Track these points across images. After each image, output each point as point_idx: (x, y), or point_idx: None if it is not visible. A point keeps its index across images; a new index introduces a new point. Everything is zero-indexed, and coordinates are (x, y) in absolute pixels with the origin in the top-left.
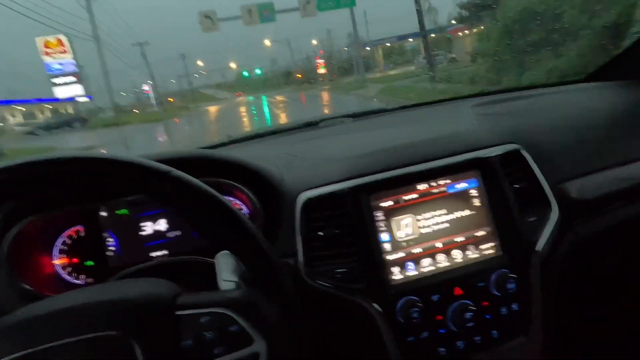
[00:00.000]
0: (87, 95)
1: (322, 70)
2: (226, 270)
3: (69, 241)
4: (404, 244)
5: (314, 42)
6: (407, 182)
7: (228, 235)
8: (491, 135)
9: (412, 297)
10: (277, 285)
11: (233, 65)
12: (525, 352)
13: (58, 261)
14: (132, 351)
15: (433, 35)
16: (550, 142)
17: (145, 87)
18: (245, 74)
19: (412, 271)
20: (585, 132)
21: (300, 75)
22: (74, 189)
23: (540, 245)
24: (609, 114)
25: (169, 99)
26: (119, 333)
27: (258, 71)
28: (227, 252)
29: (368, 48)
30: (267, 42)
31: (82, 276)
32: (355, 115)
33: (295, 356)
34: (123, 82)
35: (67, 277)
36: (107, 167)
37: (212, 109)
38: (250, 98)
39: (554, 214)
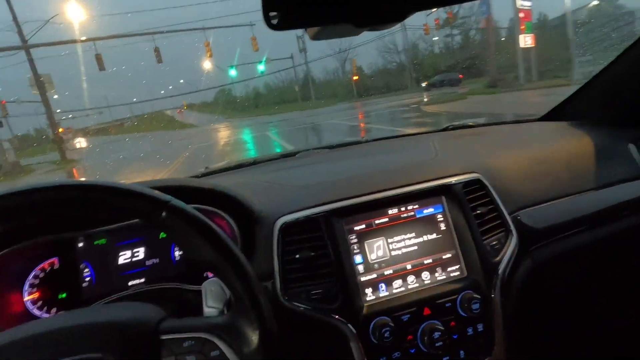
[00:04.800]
0: None
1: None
2: (211, 297)
3: (41, 274)
4: (376, 265)
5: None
6: (379, 206)
7: (216, 260)
8: (455, 165)
9: (384, 317)
10: (260, 309)
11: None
12: None
13: (29, 296)
14: None
15: None
16: (507, 174)
17: None
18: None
19: (383, 292)
20: (539, 166)
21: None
22: (66, 217)
23: (501, 268)
24: (560, 151)
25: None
26: (102, 356)
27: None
28: (214, 279)
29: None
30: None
31: (54, 310)
32: (331, 147)
33: None
34: None
35: (37, 312)
36: (110, 194)
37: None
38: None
39: (514, 239)
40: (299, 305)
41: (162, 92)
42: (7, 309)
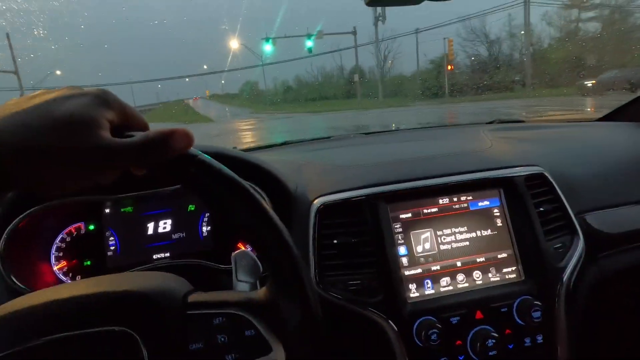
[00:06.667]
0: None
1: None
2: (243, 270)
3: (68, 238)
4: (422, 259)
5: None
6: (429, 194)
7: (252, 224)
8: (514, 157)
9: (430, 317)
10: (301, 285)
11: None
12: None
13: (55, 260)
14: (136, 350)
15: None
16: (571, 172)
17: None
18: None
19: (429, 289)
20: (608, 167)
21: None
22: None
23: (566, 274)
24: (630, 152)
25: None
26: (122, 329)
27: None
28: (245, 251)
29: None
30: None
31: (78, 277)
32: (367, 133)
33: None
34: None
35: (63, 277)
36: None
37: None
38: None
39: (580, 242)
40: (335, 295)
41: (187, 79)
42: (35, 268)
